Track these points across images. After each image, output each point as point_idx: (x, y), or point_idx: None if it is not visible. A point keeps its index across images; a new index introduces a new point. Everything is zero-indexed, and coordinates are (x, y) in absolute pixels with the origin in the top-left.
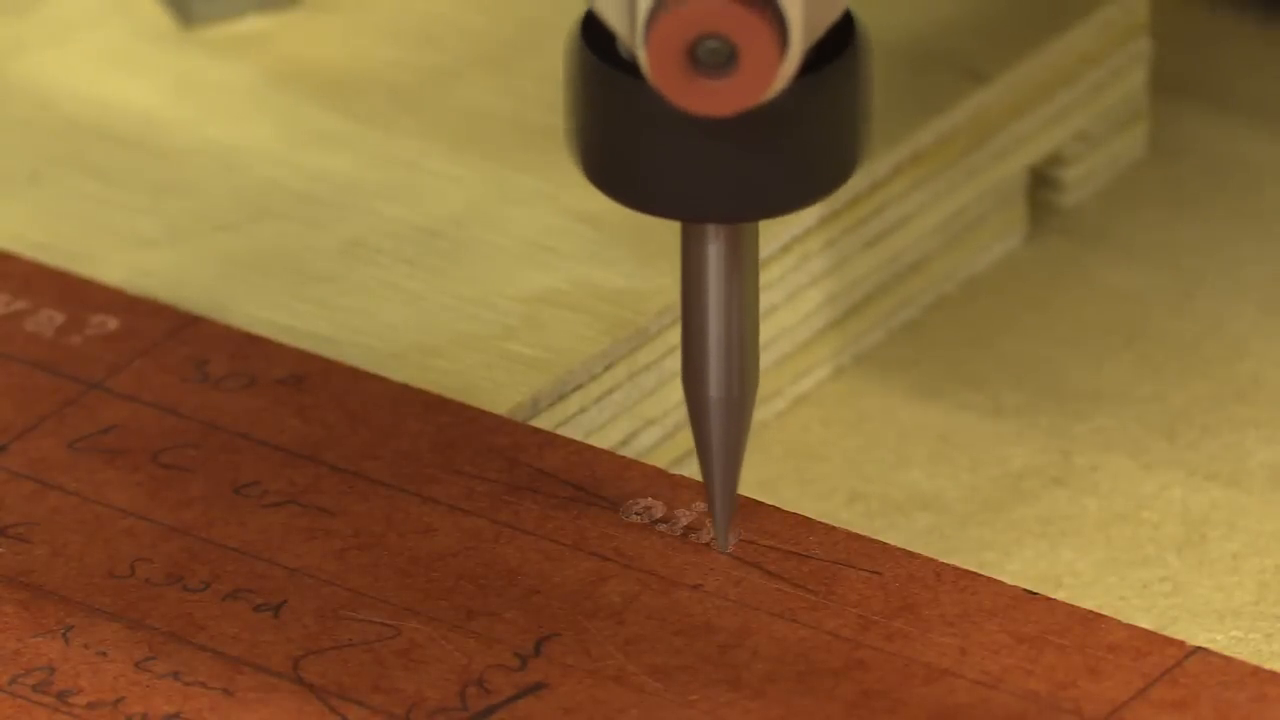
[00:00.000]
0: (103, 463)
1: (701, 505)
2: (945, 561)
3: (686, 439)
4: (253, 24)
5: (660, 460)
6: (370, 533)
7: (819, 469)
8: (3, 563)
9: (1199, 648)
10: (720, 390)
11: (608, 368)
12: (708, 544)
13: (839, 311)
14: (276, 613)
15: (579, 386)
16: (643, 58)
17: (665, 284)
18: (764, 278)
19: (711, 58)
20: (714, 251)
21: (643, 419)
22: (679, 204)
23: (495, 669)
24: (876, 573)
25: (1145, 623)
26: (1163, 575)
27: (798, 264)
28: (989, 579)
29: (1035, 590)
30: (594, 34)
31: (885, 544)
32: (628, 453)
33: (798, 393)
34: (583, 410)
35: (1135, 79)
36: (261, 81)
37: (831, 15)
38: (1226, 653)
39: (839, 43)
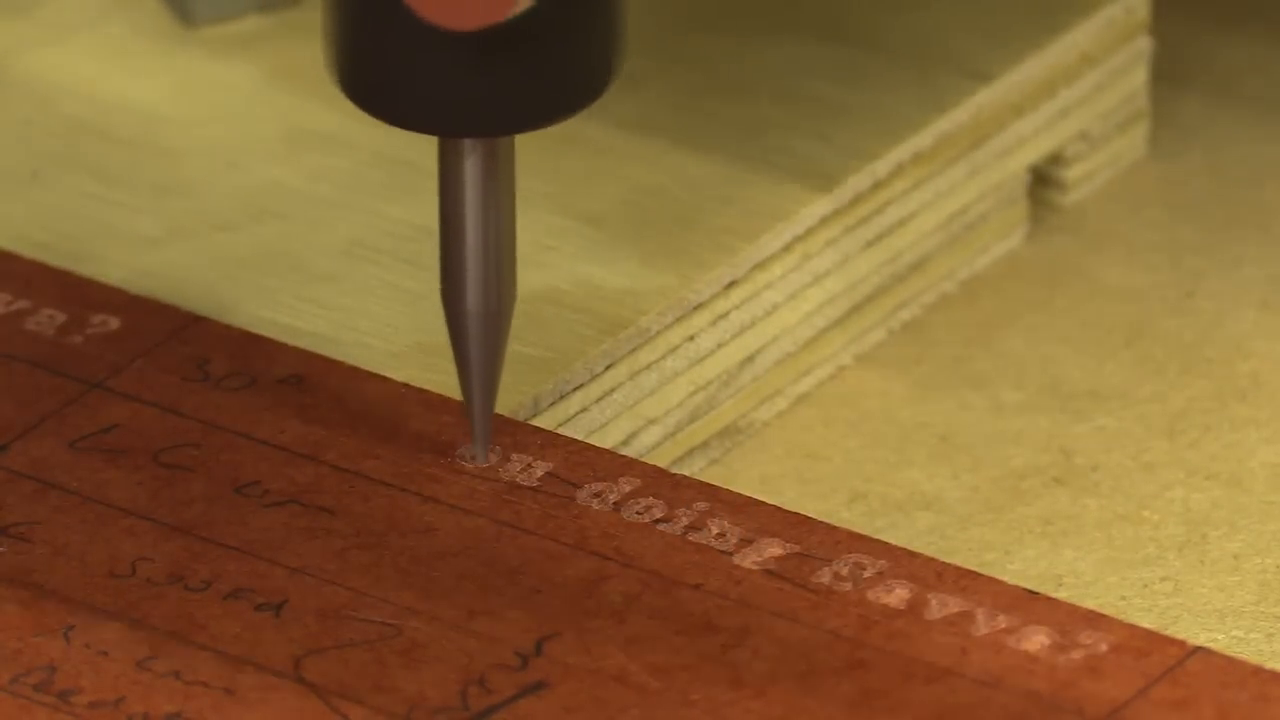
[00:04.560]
0: (104, 462)
1: (703, 504)
2: (946, 561)
3: (687, 439)
4: (253, 24)
5: (660, 460)
6: (371, 532)
7: (819, 469)
8: (4, 562)
9: (1200, 647)
10: (478, 304)
11: (608, 367)
12: (467, 459)
13: (840, 311)
14: (277, 612)
15: (579, 386)
16: None
17: (666, 283)
18: (765, 276)
19: None
20: (470, 166)
21: (643, 419)
22: (434, 119)
23: (496, 668)
24: (877, 573)
25: (1146, 622)
26: (1163, 575)
27: (799, 263)
28: (989, 579)
29: (1035, 590)
30: None
31: (886, 544)
32: (628, 453)
33: (798, 392)
34: (583, 410)
35: (1136, 78)
36: (261, 81)
37: None
38: (1228, 652)
39: None
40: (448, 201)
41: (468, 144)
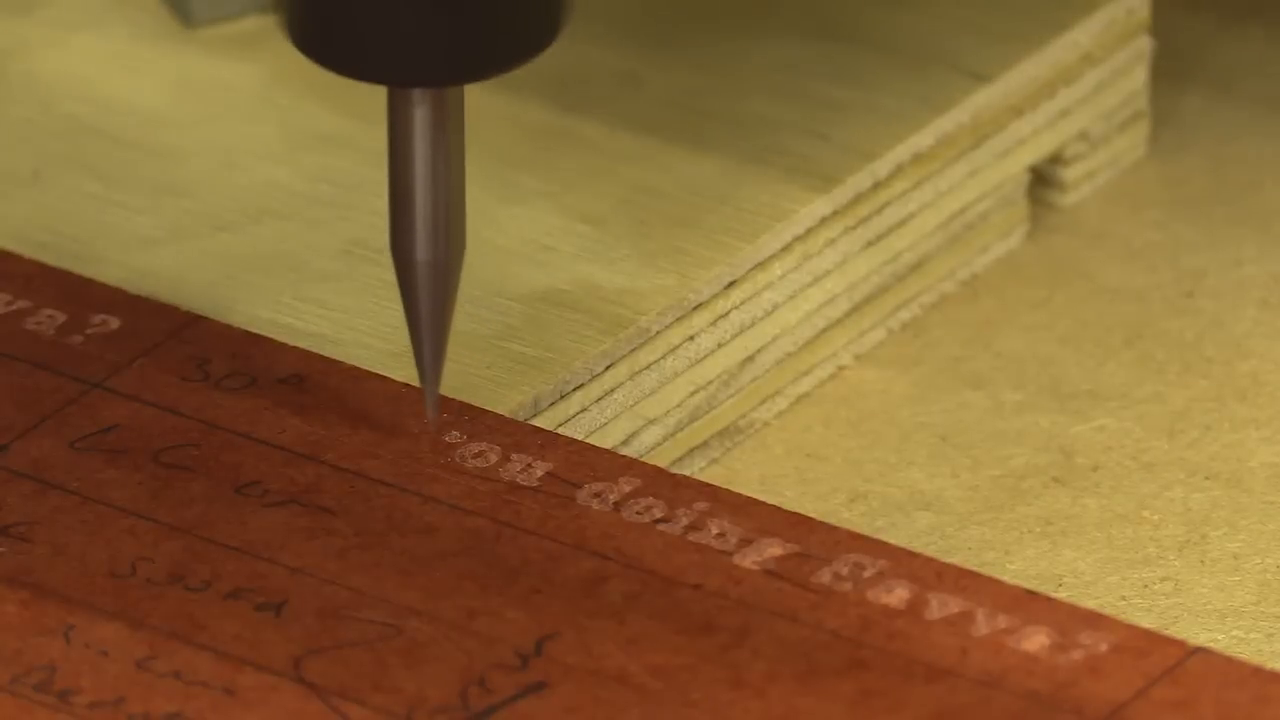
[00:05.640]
0: (104, 462)
1: (703, 505)
2: (945, 561)
3: (687, 439)
4: (253, 24)
5: (660, 460)
6: (371, 532)
7: (819, 469)
8: (4, 562)
9: (1200, 648)
10: (427, 253)
11: (608, 367)
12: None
13: (840, 311)
14: (278, 612)
15: (579, 386)
16: None
17: (666, 283)
18: (765, 276)
19: None
20: (420, 116)
21: (643, 419)
22: (384, 69)
23: (496, 668)
24: (877, 573)
25: (1146, 622)
26: (1164, 575)
27: (799, 263)
28: (989, 579)
29: (1035, 590)
30: None
31: (886, 544)
32: (628, 453)
33: (798, 392)
34: (583, 410)
35: (1136, 78)
36: (261, 81)
37: None
38: (1228, 652)
39: None
40: (397, 152)
41: (416, 94)
